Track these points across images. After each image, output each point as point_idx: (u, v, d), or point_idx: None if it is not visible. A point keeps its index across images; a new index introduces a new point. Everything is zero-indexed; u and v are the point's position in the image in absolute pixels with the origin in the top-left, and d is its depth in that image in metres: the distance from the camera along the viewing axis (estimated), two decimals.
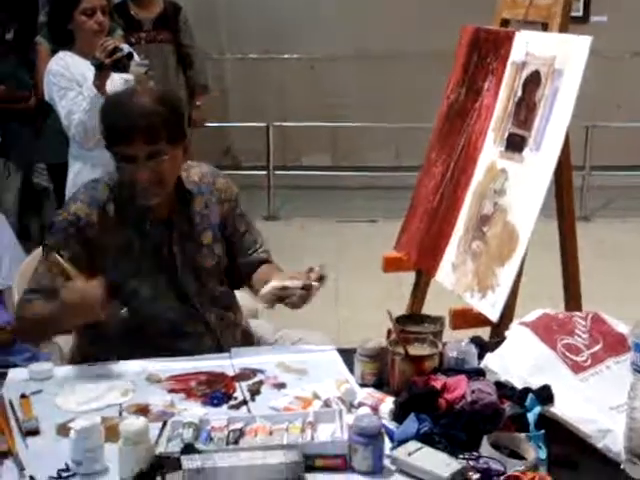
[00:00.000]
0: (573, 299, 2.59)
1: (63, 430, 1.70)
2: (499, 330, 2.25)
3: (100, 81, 3.11)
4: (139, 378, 1.96)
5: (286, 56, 6.73)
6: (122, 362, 2.04)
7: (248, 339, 2.31)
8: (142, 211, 2.12)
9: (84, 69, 3.21)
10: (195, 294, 2.18)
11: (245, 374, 1.98)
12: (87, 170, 3.34)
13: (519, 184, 2.34)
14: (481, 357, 1.94)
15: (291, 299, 2.01)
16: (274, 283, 2.03)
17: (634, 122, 6.33)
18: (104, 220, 2.10)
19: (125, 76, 3.23)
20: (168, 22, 5.27)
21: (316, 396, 1.83)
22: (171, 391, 1.90)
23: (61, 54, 3.32)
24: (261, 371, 1.99)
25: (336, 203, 6.41)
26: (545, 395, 1.73)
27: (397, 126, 6.37)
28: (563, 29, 2.39)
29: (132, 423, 1.58)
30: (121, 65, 3.12)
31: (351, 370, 1.98)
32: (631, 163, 6.53)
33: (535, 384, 1.78)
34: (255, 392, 1.89)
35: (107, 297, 1.93)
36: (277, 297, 2.03)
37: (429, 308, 2.74)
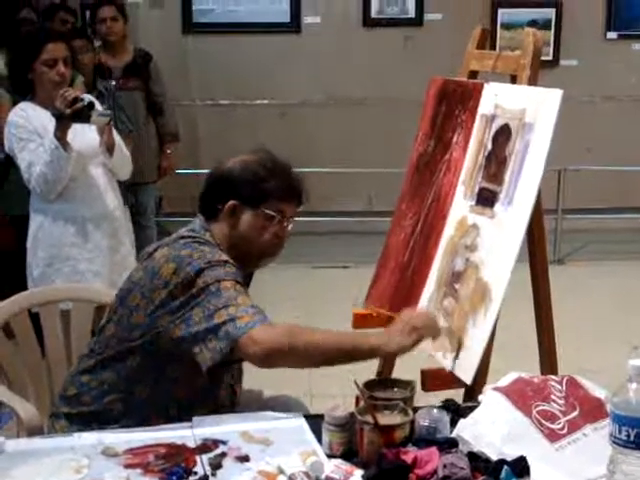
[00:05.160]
0: (548, 349, 2.52)
1: None
2: (473, 391, 2.17)
3: (61, 132, 3.05)
4: (95, 452, 1.85)
5: (257, 102, 6.68)
6: (77, 434, 1.94)
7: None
8: (249, 274, 2.24)
9: (45, 120, 3.14)
10: None
11: (207, 445, 1.88)
12: (48, 223, 3.28)
13: (491, 240, 2.27)
14: (454, 422, 1.87)
15: None
16: None
17: (605, 166, 6.34)
18: None
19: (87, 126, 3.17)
20: (138, 70, 5.25)
21: (281, 471, 1.73)
22: (127, 466, 1.79)
23: (22, 105, 3.26)
24: (223, 442, 1.89)
25: (309, 248, 6.33)
26: (521, 467, 1.65)
27: (369, 171, 6.31)
28: (532, 82, 2.34)
29: None
30: (82, 115, 3.05)
31: (319, 438, 1.89)
32: (603, 206, 6.54)
33: (509, 454, 1.70)
34: (217, 466, 1.79)
35: None
36: None
37: (399, 367, 2.66)
